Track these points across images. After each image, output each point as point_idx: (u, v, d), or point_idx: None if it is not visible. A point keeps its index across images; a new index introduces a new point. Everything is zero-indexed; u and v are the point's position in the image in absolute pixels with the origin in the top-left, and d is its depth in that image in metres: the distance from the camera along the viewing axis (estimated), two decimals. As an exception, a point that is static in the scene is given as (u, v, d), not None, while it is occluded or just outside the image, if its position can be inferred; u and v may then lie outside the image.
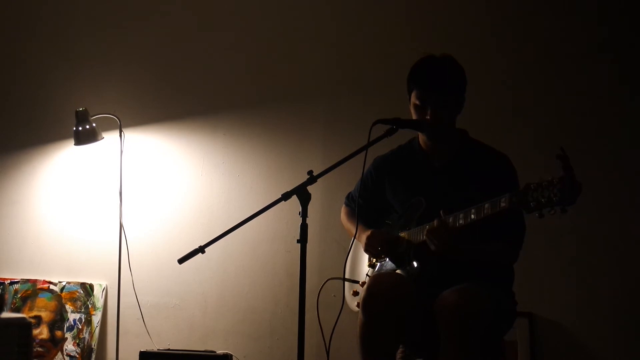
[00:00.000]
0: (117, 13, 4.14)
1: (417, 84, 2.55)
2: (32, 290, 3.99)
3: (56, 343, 3.89)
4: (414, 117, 2.58)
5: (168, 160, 4.00)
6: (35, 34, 4.23)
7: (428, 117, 2.52)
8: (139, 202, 3.97)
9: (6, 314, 2.94)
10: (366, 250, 2.70)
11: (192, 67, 4.02)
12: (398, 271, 2.62)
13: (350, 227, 2.83)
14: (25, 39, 4.24)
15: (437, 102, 2.52)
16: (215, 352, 3.56)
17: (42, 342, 3.89)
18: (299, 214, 2.40)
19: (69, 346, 3.87)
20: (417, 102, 2.54)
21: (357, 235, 2.65)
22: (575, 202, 2.08)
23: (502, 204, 2.25)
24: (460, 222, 2.38)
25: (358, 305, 2.48)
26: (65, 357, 3.86)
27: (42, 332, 3.91)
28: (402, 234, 2.64)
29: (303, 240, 2.38)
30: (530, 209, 2.16)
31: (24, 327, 2.59)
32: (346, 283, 2.81)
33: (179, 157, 3.99)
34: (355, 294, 2.74)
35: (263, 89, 3.93)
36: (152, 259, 3.91)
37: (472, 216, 2.35)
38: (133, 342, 3.81)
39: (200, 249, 2.47)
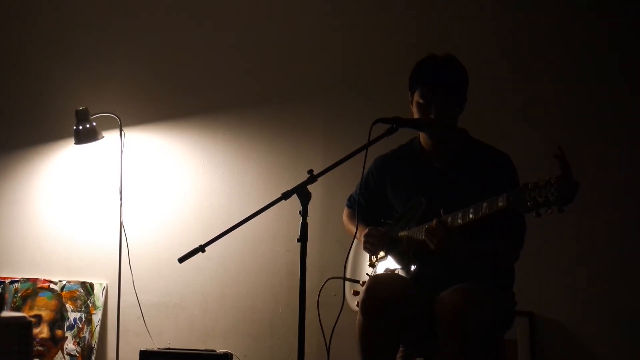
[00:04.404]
0: (117, 13, 4.14)
1: (422, 82, 2.54)
2: (33, 289, 3.99)
3: (56, 342, 3.90)
4: (416, 116, 2.57)
5: (168, 160, 4.00)
6: (35, 34, 4.23)
7: (432, 116, 2.52)
8: (139, 202, 3.97)
9: (6, 313, 2.93)
10: (365, 248, 2.70)
11: (192, 67, 4.02)
12: (398, 271, 2.62)
13: (352, 228, 2.83)
14: (25, 39, 4.24)
15: (441, 101, 2.51)
16: (215, 351, 3.56)
17: (43, 341, 3.89)
18: (300, 213, 2.40)
19: (69, 345, 3.87)
20: (421, 101, 2.54)
21: (357, 235, 2.65)
22: (572, 202, 2.08)
23: (500, 204, 2.25)
24: (459, 221, 2.38)
25: (358, 305, 2.48)
26: (65, 356, 3.87)
27: (42, 331, 3.91)
28: (402, 234, 2.64)
29: (303, 239, 2.39)
30: (527, 209, 2.16)
31: (24, 326, 2.59)
32: (347, 282, 2.81)
33: (179, 157, 3.99)
34: (356, 293, 2.74)
35: (263, 88, 3.93)
36: (152, 258, 3.91)
37: (471, 215, 2.35)
38: (133, 341, 3.81)
39: (201, 248, 2.47)
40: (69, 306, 3.93)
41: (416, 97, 2.56)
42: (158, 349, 3.62)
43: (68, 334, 3.89)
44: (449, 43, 3.40)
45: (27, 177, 4.13)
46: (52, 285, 3.98)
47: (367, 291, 2.45)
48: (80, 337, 3.88)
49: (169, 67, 4.05)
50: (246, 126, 3.93)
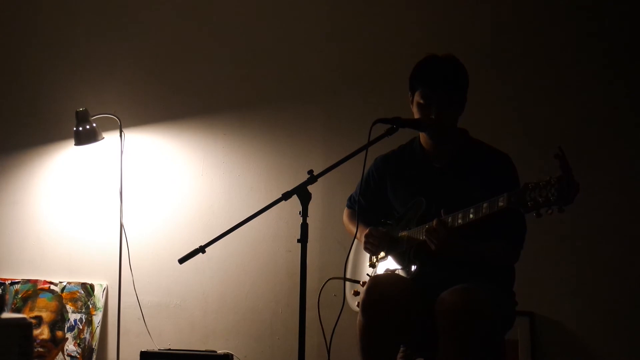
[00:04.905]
0: (117, 13, 4.14)
1: (422, 82, 2.54)
2: (33, 290, 3.99)
3: (57, 343, 3.90)
4: (417, 116, 2.57)
5: (168, 160, 4.00)
6: (36, 35, 4.23)
7: (432, 116, 2.52)
8: (140, 202, 3.97)
9: (7, 315, 2.93)
10: (365, 248, 2.70)
11: (192, 67, 4.02)
12: (398, 271, 2.62)
13: (352, 229, 2.83)
14: (25, 39, 4.24)
15: (442, 101, 2.51)
16: (216, 351, 3.56)
17: (43, 343, 3.89)
18: (300, 213, 2.40)
19: (70, 346, 3.87)
20: (422, 101, 2.54)
21: (357, 235, 2.65)
22: (573, 202, 2.08)
23: (500, 204, 2.26)
24: (459, 221, 2.38)
25: (358, 305, 2.48)
26: (66, 357, 3.87)
27: (42, 333, 3.91)
28: (402, 234, 2.64)
29: (303, 239, 2.39)
30: (528, 209, 2.16)
31: (24, 328, 2.59)
32: (347, 283, 2.81)
33: (179, 157, 3.99)
34: (356, 293, 2.74)
35: (263, 88, 3.94)
36: (152, 259, 3.91)
37: (471, 216, 2.35)
38: (134, 342, 3.81)
39: (201, 249, 2.47)
40: (69, 307, 3.93)
41: (416, 98, 2.56)
42: (158, 349, 3.61)
43: (68, 335, 3.89)
44: (449, 43, 3.40)
45: (28, 178, 4.13)
46: (52, 287, 3.98)
47: (367, 291, 2.45)
48: (80, 338, 3.88)
49: (168, 68, 4.05)
50: (246, 127, 3.93)
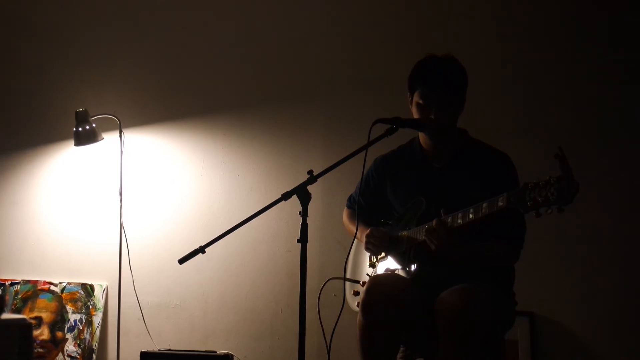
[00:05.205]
0: (117, 14, 4.14)
1: (422, 83, 2.54)
2: (33, 291, 3.99)
3: (57, 344, 3.90)
4: (416, 116, 2.57)
5: (168, 161, 4.00)
6: (35, 34, 4.23)
7: (432, 117, 2.52)
8: (139, 203, 3.97)
9: (7, 315, 2.93)
10: (366, 248, 2.70)
11: (192, 67, 4.02)
12: (398, 271, 2.62)
13: (352, 229, 2.82)
14: (24, 39, 4.24)
15: (441, 102, 2.51)
16: (216, 352, 3.56)
17: (43, 343, 3.89)
18: (299, 213, 2.40)
19: (70, 347, 3.87)
20: (421, 102, 2.54)
21: (357, 235, 2.65)
22: (572, 202, 2.08)
23: (500, 204, 2.26)
24: (459, 221, 2.38)
25: (358, 305, 2.48)
26: (66, 357, 3.87)
27: (42, 333, 3.91)
28: (402, 234, 2.64)
29: (303, 240, 2.39)
30: (527, 209, 2.16)
31: (24, 328, 2.59)
32: (347, 283, 2.81)
33: (179, 157, 3.99)
34: (356, 293, 2.74)
35: (263, 88, 3.93)
36: (152, 259, 3.91)
37: (471, 216, 2.35)
38: (134, 343, 3.81)
39: (201, 249, 2.47)
40: (69, 308, 3.93)
41: (416, 98, 2.56)
42: (158, 350, 3.61)
43: (68, 336, 3.89)
44: (449, 43, 3.40)
45: (28, 179, 4.13)
46: (52, 287, 3.98)
47: (367, 291, 2.45)
48: (80, 339, 3.88)
49: (168, 68, 4.05)
50: (246, 127, 3.93)
